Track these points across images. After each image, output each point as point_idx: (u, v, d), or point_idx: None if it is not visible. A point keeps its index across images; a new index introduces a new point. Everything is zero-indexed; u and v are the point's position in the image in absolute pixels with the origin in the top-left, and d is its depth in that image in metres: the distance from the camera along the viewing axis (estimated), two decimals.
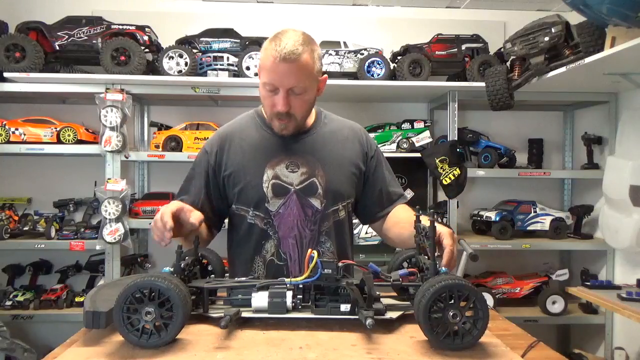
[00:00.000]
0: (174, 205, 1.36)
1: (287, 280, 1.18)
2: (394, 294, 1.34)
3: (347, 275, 1.20)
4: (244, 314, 1.15)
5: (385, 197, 1.71)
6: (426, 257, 1.27)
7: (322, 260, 1.15)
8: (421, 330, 1.04)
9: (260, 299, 1.16)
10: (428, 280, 1.06)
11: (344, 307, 1.15)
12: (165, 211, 1.32)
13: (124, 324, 1.02)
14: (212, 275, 1.38)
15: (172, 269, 1.16)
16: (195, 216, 1.36)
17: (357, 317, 1.13)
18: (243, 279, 1.30)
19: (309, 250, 1.18)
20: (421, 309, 1.01)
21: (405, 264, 1.39)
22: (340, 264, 1.17)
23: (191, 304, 1.09)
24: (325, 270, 1.15)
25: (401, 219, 1.64)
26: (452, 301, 1.01)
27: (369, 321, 1.04)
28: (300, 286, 1.19)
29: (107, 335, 1.11)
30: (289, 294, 1.16)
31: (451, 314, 1.01)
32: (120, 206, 2.84)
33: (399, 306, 1.24)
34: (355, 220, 1.81)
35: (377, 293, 1.17)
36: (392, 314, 1.17)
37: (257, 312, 1.16)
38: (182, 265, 1.18)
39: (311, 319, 1.16)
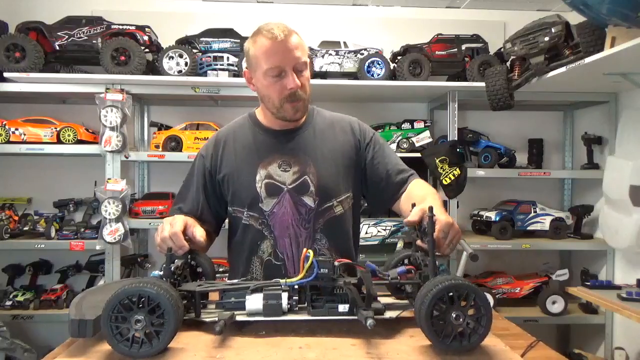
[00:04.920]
0: (180, 223, 1.34)
1: (282, 281, 1.15)
2: (389, 293, 1.32)
3: (344, 275, 1.18)
4: (238, 318, 1.12)
5: (396, 178, 1.64)
6: (422, 252, 1.25)
7: (318, 259, 1.12)
8: (424, 335, 1.02)
9: (254, 302, 1.13)
10: (426, 283, 1.04)
11: (342, 308, 1.13)
12: (177, 232, 1.30)
13: (112, 334, 0.97)
14: (203, 278, 1.34)
15: (161, 273, 1.13)
16: (200, 233, 1.37)
17: (355, 317, 1.11)
18: (235, 281, 1.28)
19: (304, 249, 1.15)
20: (422, 315, 0.98)
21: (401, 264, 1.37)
22: (336, 263, 1.14)
23: (183, 309, 1.05)
24: (322, 269, 1.12)
25: (414, 196, 1.53)
26: (453, 302, 0.99)
27: (369, 322, 1.01)
28: (296, 287, 1.15)
29: (95, 344, 1.06)
30: (285, 295, 1.13)
31: (454, 315, 0.99)
32: (120, 206, 2.84)
33: (397, 305, 1.22)
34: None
35: (376, 292, 1.15)
36: (392, 314, 1.15)
37: (252, 315, 1.13)
38: (172, 269, 1.15)
39: (308, 321, 1.14)
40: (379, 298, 1.19)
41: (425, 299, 0.98)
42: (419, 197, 1.50)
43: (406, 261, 1.37)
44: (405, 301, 1.25)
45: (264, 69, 1.50)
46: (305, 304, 1.15)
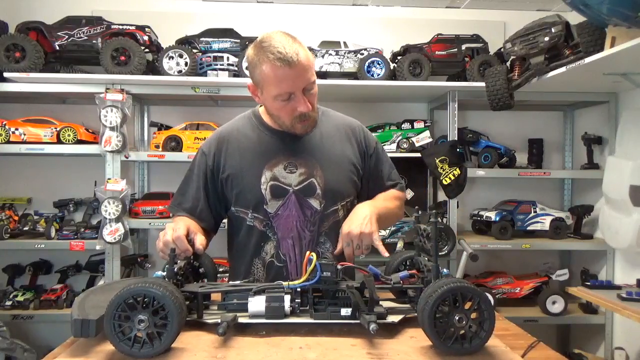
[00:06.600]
0: (183, 228, 1.37)
1: (284, 283, 1.15)
2: (391, 296, 1.32)
3: (346, 278, 1.18)
4: (241, 320, 1.12)
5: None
6: (426, 258, 1.26)
7: (321, 262, 1.12)
8: (426, 336, 1.02)
9: (257, 304, 1.12)
10: (430, 285, 1.04)
11: (345, 311, 1.13)
12: (180, 236, 1.33)
13: (114, 332, 0.97)
14: (205, 279, 1.35)
15: (164, 274, 1.13)
16: (200, 241, 1.39)
17: (358, 321, 1.11)
18: (238, 282, 1.28)
19: (308, 252, 1.15)
20: (426, 315, 0.98)
21: (403, 266, 1.37)
22: (339, 267, 1.14)
23: (186, 311, 1.05)
24: (324, 273, 1.12)
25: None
26: (457, 305, 0.99)
27: (372, 326, 1.02)
28: (299, 290, 1.15)
29: (95, 344, 1.06)
30: (287, 297, 1.13)
31: (457, 318, 0.99)
32: (120, 206, 2.84)
33: (399, 309, 1.22)
34: None
35: (378, 296, 1.15)
36: (394, 318, 1.15)
37: (254, 317, 1.13)
38: (174, 269, 1.14)
39: (310, 324, 1.14)
40: (380, 302, 1.19)
41: (430, 299, 0.98)
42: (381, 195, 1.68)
43: (408, 262, 1.37)
44: (407, 305, 1.25)
45: (273, 94, 1.47)
46: (308, 307, 1.15)
